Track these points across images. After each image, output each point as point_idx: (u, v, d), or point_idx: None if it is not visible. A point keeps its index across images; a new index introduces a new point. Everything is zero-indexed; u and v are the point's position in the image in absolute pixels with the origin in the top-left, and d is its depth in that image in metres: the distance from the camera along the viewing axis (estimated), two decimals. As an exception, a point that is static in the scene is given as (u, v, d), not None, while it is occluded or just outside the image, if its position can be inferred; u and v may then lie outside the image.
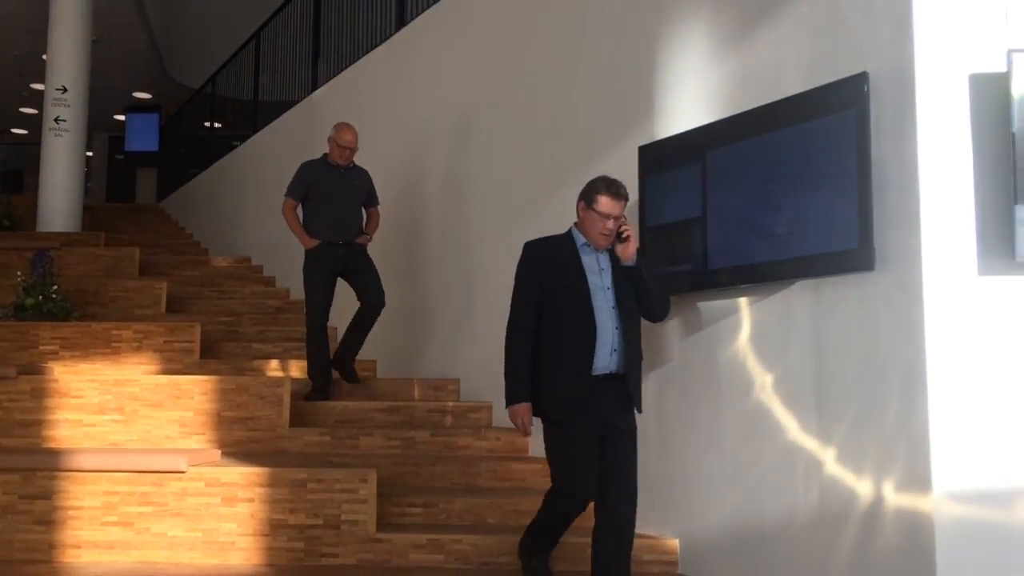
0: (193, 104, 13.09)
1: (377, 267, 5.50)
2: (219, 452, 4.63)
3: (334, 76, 7.93)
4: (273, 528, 4.01)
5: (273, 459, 4.52)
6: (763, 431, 3.38)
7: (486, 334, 5.34)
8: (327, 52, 8.45)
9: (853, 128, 3.05)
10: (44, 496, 4.13)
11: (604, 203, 3.26)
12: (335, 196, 5.37)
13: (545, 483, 4.51)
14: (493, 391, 5.22)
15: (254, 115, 10.05)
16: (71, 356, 5.89)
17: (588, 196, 3.32)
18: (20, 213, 10.05)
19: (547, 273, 3.30)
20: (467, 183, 5.72)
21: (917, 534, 2.80)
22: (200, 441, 4.93)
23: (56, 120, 9.68)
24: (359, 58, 7.46)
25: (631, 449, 3.30)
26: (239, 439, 4.94)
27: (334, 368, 5.39)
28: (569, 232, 3.40)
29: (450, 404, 5.33)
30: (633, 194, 4.08)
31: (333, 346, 5.62)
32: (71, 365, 5.80)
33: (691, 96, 3.87)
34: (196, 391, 5.01)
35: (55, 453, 4.37)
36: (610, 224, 3.25)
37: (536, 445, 4.82)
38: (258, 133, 9.56)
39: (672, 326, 3.85)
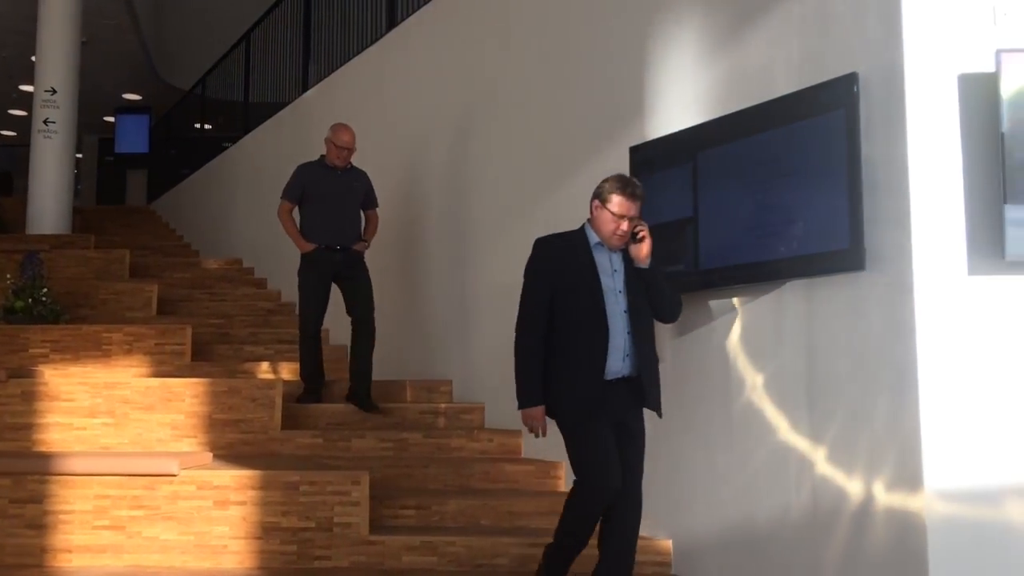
0: (183, 105, 13.05)
1: (368, 267, 5.46)
2: (211, 455, 4.62)
3: (325, 77, 7.92)
4: (266, 531, 4.00)
5: (265, 462, 4.50)
6: (755, 431, 3.39)
7: (478, 335, 5.34)
8: (317, 53, 8.44)
9: (843, 128, 3.06)
10: (35, 500, 4.11)
11: (618, 203, 3.16)
12: (332, 199, 5.26)
13: (539, 484, 4.55)
14: (486, 392, 5.23)
15: (245, 116, 10.03)
16: (61, 359, 5.87)
17: (602, 195, 3.21)
18: (9, 215, 10.02)
19: (559, 271, 3.19)
20: (459, 183, 5.72)
21: (908, 533, 2.81)
22: (192, 444, 4.91)
23: (45, 122, 9.64)
24: (350, 59, 7.45)
25: (641, 451, 3.24)
26: (231, 442, 4.92)
27: (349, 402, 5.21)
28: (582, 229, 3.29)
29: (443, 406, 5.32)
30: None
31: (326, 348, 5.61)
32: (61, 368, 5.77)
33: (682, 97, 3.88)
34: (187, 394, 4.99)
35: (46, 457, 4.34)
36: (624, 225, 3.16)
37: (529, 446, 4.83)
38: (249, 134, 9.54)
39: (664, 326, 3.85)
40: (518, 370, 3.18)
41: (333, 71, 7.75)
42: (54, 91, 9.67)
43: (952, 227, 2.86)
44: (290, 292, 7.69)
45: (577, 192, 4.52)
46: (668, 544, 3.80)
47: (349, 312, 5.31)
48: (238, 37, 10.43)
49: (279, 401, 5.01)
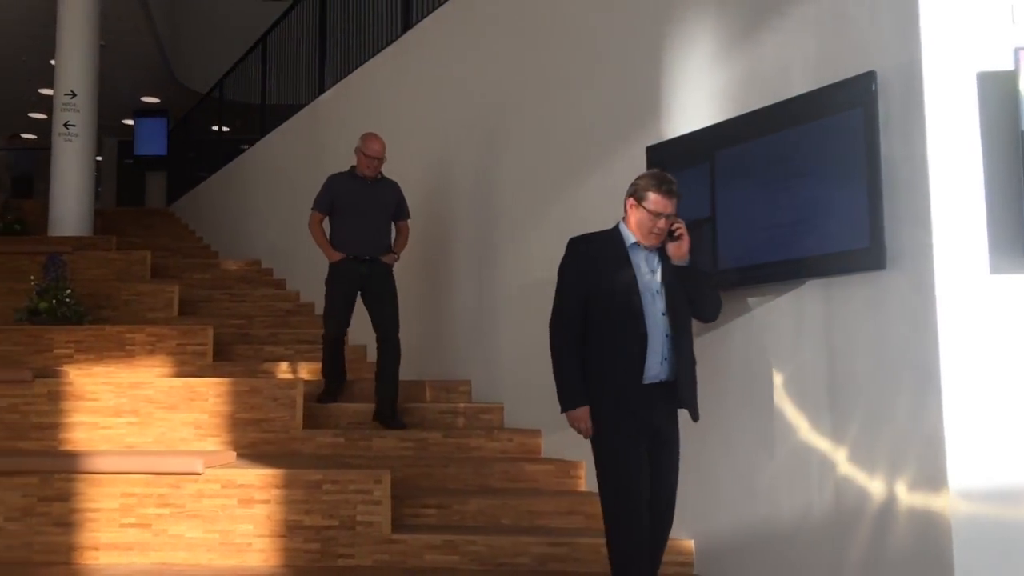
0: (201, 108, 13.15)
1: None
2: (234, 454, 4.68)
3: (341, 79, 7.97)
4: (289, 529, 4.05)
5: (288, 461, 4.55)
6: (776, 431, 3.40)
7: (497, 335, 5.37)
8: (333, 55, 8.49)
9: (861, 127, 3.07)
10: (62, 498, 4.18)
11: (655, 200, 3.06)
12: (361, 210, 5.22)
13: (559, 484, 4.56)
14: (505, 392, 5.26)
15: (262, 119, 10.10)
16: (85, 359, 5.94)
17: (637, 193, 3.12)
18: (31, 218, 10.11)
19: (594, 271, 3.09)
20: (476, 184, 5.75)
21: (932, 533, 2.81)
22: (215, 443, 4.97)
23: (65, 125, 9.72)
24: (365, 61, 7.49)
25: (675, 459, 3.15)
26: (253, 441, 4.98)
27: (376, 423, 5.17)
28: (616, 228, 3.20)
29: (462, 405, 5.35)
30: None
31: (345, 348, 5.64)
32: (86, 368, 5.84)
33: (699, 96, 3.90)
34: (210, 393, 5.05)
35: (72, 455, 4.41)
36: (661, 223, 3.07)
37: (549, 446, 4.85)
38: (266, 136, 9.61)
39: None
40: (557, 371, 3.09)
41: (349, 73, 7.80)
42: (74, 94, 9.76)
43: (973, 225, 2.86)
44: (308, 293, 7.76)
45: (594, 192, 4.55)
46: (690, 544, 3.81)
47: (374, 328, 5.26)
48: (254, 40, 10.50)
49: (300, 401, 5.06)
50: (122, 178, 17.43)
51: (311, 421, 5.16)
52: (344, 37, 8.33)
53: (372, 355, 5.67)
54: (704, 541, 3.76)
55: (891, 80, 3.01)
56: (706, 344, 3.77)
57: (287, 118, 9.07)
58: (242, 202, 10.08)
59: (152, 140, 15.16)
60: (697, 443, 3.73)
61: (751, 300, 3.54)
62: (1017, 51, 2.82)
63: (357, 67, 7.64)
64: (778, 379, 3.41)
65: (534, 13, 5.26)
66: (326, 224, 5.36)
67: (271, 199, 9.15)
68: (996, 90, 2.88)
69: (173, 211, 13.16)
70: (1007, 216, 2.84)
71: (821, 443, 3.22)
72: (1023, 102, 2.80)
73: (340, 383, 5.42)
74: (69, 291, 6.47)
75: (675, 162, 3.89)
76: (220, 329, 6.45)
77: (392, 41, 7.08)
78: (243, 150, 10.47)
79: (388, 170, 5.47)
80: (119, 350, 6.00)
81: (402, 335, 5.38)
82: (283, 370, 6.05)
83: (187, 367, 5.90)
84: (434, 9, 6.44)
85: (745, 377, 3.55)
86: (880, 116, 3.02)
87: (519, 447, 4.93)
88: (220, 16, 13.87)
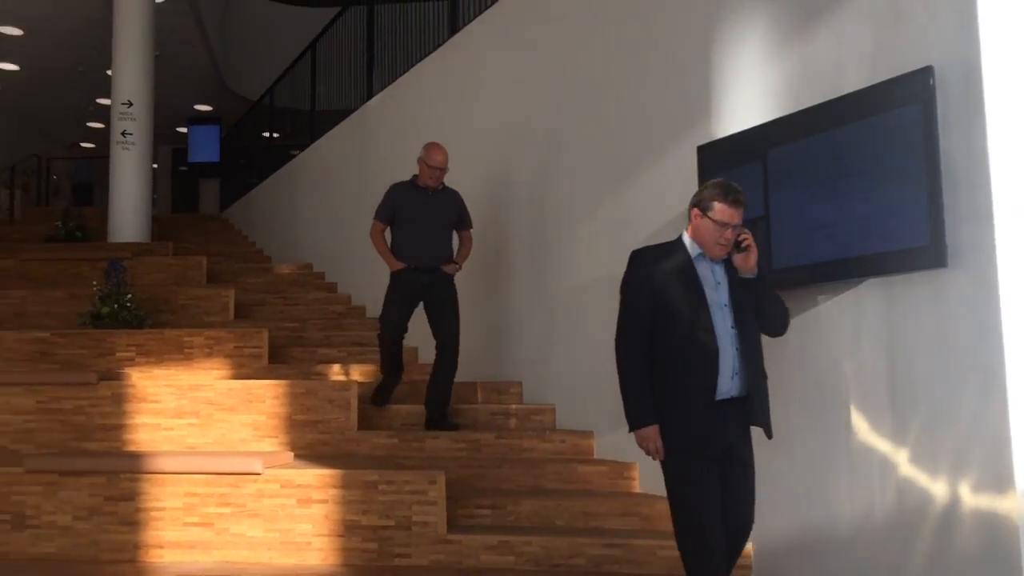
0: (252, 115, 13.40)
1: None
2: (292, 454, 4.76)
3: (389, 84, 8.06)
4: (347, 529, 4.11)
5: (343, 461, 4.62)
6: (835, 432, 3.36)
7: (548, 336, 5.38)
8: (381, 60, 8.59)
9: (919, 123, 3.02)
10: (128, 498, 4.30)
11: (721, 210, 2.96)
12: (422, 220, 5.20)
13: (612, 485, 4.56)
14: (557, 394, 5.28)
15: (311, 125, 10.26)
16: (146, 362, 6.10)
17: (702, 203, 3.01)
18: (92, 224, 10.39)
19: (659, 286, 2.98)
20: (526, 186, 5.77)
21: (999, 535, 2.75)
22: (273, 444, 5.07)
23: (123, 134, 9.98)
24: (413, 65, 7.57)
25: (752, 481, 3.04)
26: (310, 442, 5.07)
27: (428, 428, 5.18)
28: (680, 240, 3.09)
29: (513, 407, 5.38)
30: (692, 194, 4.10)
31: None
32: (147, 371, 6.00)
33: (750, 94, 3.87)
34: (267, 395, 5.15)
35: (137, 456, 4.54)
36: (728, 233, 2.97)
37: (602, 447, 4.85)
38: (315, 142, 9.75)
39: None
40: (624, 389, 2.99)
41: (397, 78, 7.88)
42: (130, 104, 10.00)
43: (1037, 222, 2.80)
44: (360, 296, 7.87)
45: (644, 193, 4.54)
46: (749, 547, 3.77)
47: (434, 335, 5.25)
48: (304, 47, 10.67)
49: (355, 403, 5.14)
50: (177, 185, 17.86)
51: (365, 422, 5.23)
52: (392, 41, 8.43)
53: (424, 357, 5.72)
54: (763, 543, 3.72)
55: (949, 75, 2.96)
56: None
57: (336, 123, 9.20)
58: (293, 207, 10.24)
59: (205, 147, 15.49)
60: (755, 444, 3.70)
61: (807, 300, 3.51)
62: (1082, 42, 2.76)
63: (404, 72, 7.72)
64: (837, 380, 3.36)
65: (582, 13, 5.26)
66: (387, 233, 5.33)
67: (321, 204, 9.29)
68: (1059, 83, 2.82)
69: (226, 217, 13.42)
70: (1073, 211, 2.77)
71: (882, 444, 3.17)
72: (1088, 94, 2.74)
73: (396, 378, 5.39)
74: (129, 296, 6.66)
75: (726, 161, 3.87)
76: (275, 332, 6.57)
77: (439, 45, 7.14)
78: (293, 156, 10.64)
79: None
80: (178, 353, 6.14)
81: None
82: (336, 372, 6.14)
83: (244, 369, 6.02)
84: (480, 12, 6.48)
85: (803, 378, 3.51)
86: (939, 112, 2.97)
87: (571, 448, 4.93)
88: (270, 24, 14.13)
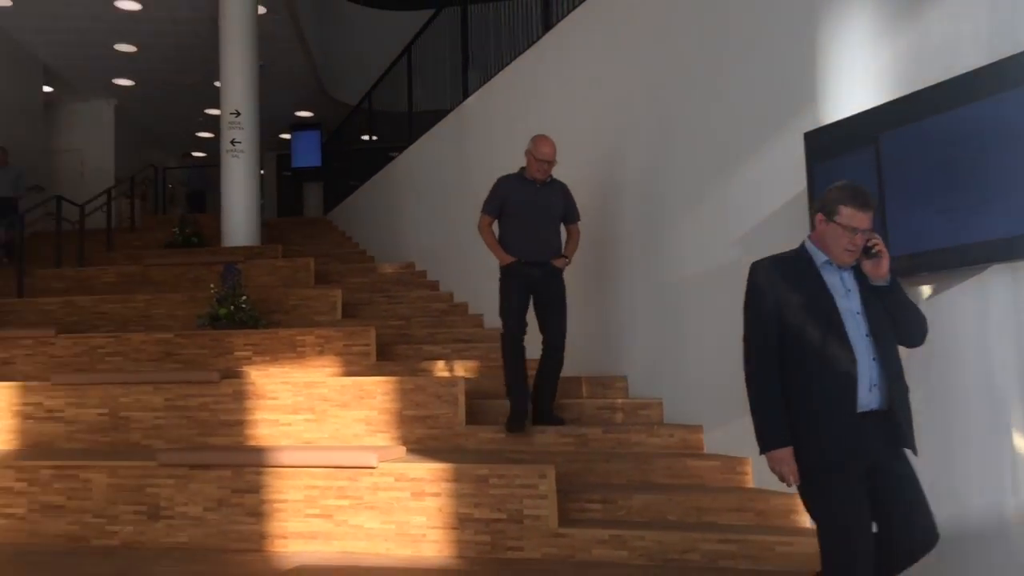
0: (351, 119, 13.76)
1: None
2: (404, 449, 4.90)
3: (484, 83, 8.15)
4: (460, 521, 4.21)
5: (454, 456, 4.73)
6: (961, 427, 3.24)
7: (655, 330, 5.36)
8: (476, 59, 8.69)
9: (1046, 101, 2.89)
10: (252, 490, 4.52)
11: (849, 215, 2.77)
12: (530, 213, 5.14)
13: (724, 480, 4.51)
14: (665, 387, 5.25)
15: (409, 126, 10.46)
16: (262, 361, 6.36)
17: (828, 207, 2.84)
18: (206, 231, 10.90)
19: (785, 297, 2.82)
20: (629, 180, 5.74)
21: None
22: (385, 438, 5.23)
23: (232, 142, 10.40)
24: (507, 64, 7.64)
25: (913, 497, 2.78)
26: (420, 436, 5.20)
27: (535, 423, 5.10)
28: (803, 247, 2.92)
29: (619, 401, 5.37)
30: (801, 182, 4.01)
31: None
32: (263, 369, 6.27)
33: (858, 77, 3.76)
34: (378, 391, 5.31)
35: (259, 450, 4.75)
36: (856, 239, 2.78)
37: (712, 442, 4.80)
38: (414, 143, 9.95)
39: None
40: (755, 410, 2.82)
41: (492, 76, 7.97)
42: (238, 113, 10.42)
43: None
44: (462, 293, 7.99)
45: (748, 182, 4.47)
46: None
47: (541, 331, 5.19)
48: (399, 50, 10.89)
49: (462, 398, 5.24)
50: (282, 189, 18.51)
51: (473, 417, 5.33)
52: (486, 41, 8.52)
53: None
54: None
55: (1077, 49, 2.82)
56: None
57: (433, 124, 9.36)
58: (394, 207, 10.48)
59: (308, 152, 16.00)
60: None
61: (927, 288, 3.39)
62: None
63: (500, 70, 7.80)
64: (962, 372, 3.24)
65: (674, 2, 5.19)
66: (495, 227, 5.32)
67: (421, 203, 9.48)
68: None
69: (330, 219, 13.83)
70: None
71: (1014, 440, 3.04)
72: None
73: (525, 396, 5.11)
74: (244, 297, 6.96)
75: (835, 147, 3.78)
76: (381, 330, 6.75)
77: (533, 43, 7.18)
78: (392, 157, 10.88)
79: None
80: (291, 351, 6.39)
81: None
82: (442, 368, 6.27)
83: (354, 367, 6.22)
84: (573, 8, 6.48)
85: (925, 370, 3.38)
86: (1067, 88, 2.84)
87: (680, 442, 4.90)
88: (365, 29, 14.47)
